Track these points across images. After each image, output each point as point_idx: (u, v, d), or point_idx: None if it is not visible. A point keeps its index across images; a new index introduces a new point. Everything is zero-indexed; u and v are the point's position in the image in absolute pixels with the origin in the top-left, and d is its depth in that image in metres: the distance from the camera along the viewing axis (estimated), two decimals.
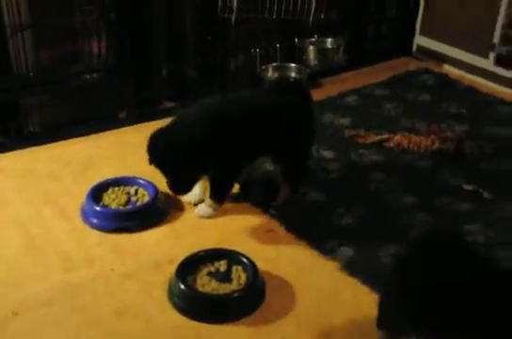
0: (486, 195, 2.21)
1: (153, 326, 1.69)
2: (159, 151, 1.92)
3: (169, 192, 2.18)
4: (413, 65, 3.25)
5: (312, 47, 3.05)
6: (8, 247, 1.95)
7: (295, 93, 2.11)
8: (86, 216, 2.07)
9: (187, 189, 1.99)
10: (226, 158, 1.98)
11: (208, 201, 2.10)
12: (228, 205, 2.14)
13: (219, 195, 2.08)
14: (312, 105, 2.16)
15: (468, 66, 3.12)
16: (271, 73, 2.95)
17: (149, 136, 1.95)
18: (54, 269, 1.87)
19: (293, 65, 2.98)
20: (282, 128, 2.03)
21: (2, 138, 2.49)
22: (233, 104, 2.00)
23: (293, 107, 2.06)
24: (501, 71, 3.00)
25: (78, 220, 2.07)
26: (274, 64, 2.97)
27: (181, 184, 1.96)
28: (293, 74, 2.97)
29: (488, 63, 3.04)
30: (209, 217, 2.10)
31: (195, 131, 1.89)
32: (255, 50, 2.92)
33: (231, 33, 2.80)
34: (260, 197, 2.18)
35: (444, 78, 3.09)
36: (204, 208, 2.10)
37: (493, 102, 2.87)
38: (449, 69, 3.20)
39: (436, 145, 2.47)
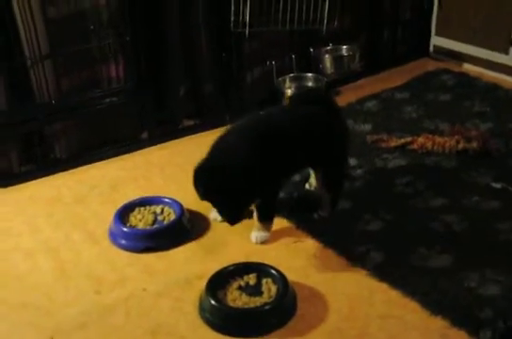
0: None
1: None
2: (208, 184, 1.84)
3: (194, 209, 2.21)
4: (432, 66, 3.22)
5: (327, 55, 3.04)
6: (40, 273, 1.98)
7: (319, 103, 2.09)
8: (114, 237, 2.09)
9: (243, 217, 1.93)
10: (269, 178, 1.93)
11: (259, 225, 2.04)
12: (253, 219, 2.13)
13: (269, 215, 2.04)
14: (341, 112, 2.15)
15: (488, 63, 3.08)
16: (288, 85, 2.95)
17: (193, 171, 1.87)
18: (86, 292, 1.89)
19: (310, 75, 2.98)
20: (316, 140, 2.01)
21: (29, 166, 2.53)
22: (267, 123, 1.98)
23: (321, 118, 2.05)
24: None
25: (107, 242, 2.09)
26: (291, 75, 2.97)
27: (238, 212, 1.89)
28: (310, 84, 2.97)
29: (508, 58, 3.00)
30: (267, 239, 2.05)
31: (238, 155, 1.84)
32: (271, 62, 2.93)
33: (245, 47, 2.82)
34: (286, 210, 2.17)
35: (464, 77, 3.06)
36: (259, 233, 2.04)
37: None
38: (468, 67, 3.16)
39: (461, 145, 2.44)
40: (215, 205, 1.91)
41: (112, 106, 2.61)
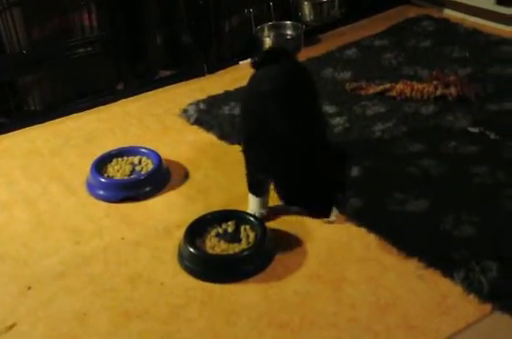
0: (492, 136, 2.17)
1: (167, 290, 1.70)
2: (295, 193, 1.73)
3: (172, 159, 2.20)
4: (412, 12, 3.16)
5: (306, 2, 2.98)
6: (18, 224, 1.97)
7: (284, 61, 1.94)
8: (91, 188, 2.08)
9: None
10: None
11: None
12: (233, 169, 2.11)
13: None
14: (304, 66, 2.04)
15: (469, 8, 3.04)
16: (267, 33, 2.90)
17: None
18: (64, 243, 1.88)
19: (288, 22, 2.93)
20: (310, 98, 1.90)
21: (3, 119, 2.49)
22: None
23: (303, 74, 1.95)
24: (503, 9, 2.91)
25: (84, 194, 2.08)
26: (269, 23, 2.91)
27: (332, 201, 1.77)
28: (289, 32, 2.91)
29: (489, 3, 2.96)
30: None
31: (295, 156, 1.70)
32: (249, 10, 2.86)
33: None
34: None
35: (445, 23, 3.02)
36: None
37: (496, 42, 2.80)
38: (449, 13, 3.12)
39: (439, 90, 2.42)
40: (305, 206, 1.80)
41: (86, 57, 2.55)
